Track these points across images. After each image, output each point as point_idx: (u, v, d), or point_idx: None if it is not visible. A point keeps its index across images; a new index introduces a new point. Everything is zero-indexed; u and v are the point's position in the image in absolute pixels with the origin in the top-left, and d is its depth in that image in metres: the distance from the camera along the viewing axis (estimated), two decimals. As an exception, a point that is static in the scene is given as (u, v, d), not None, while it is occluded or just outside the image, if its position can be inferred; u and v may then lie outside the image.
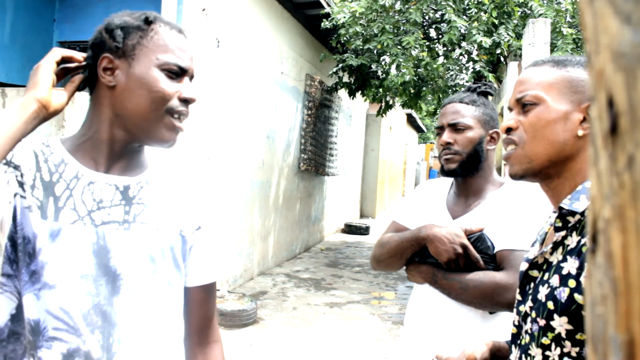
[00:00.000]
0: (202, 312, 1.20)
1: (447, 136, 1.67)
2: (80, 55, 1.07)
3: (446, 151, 1.67)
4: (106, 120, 1.05)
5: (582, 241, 0.94)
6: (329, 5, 7.66)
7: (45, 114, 0.99)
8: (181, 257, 1.12)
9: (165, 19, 1.09)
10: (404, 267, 1.72)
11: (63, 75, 1.07)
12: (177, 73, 1.05)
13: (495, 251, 1.54)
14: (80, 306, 0.99)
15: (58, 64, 1.04)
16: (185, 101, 1.06)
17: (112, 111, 1.05)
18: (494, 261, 1.54)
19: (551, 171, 1.03)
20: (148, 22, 1.05)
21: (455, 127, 1.67)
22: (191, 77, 1.10)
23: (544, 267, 1.02)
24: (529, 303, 1.02)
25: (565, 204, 0.97)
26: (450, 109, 1.70)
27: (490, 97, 1.78)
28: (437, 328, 1.59)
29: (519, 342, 1.05)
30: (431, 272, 1.61)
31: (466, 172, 1.66)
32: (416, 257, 1.65)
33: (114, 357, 1.00)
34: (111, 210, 1.05)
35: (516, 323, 1.08)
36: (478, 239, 1.56)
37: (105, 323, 1.00)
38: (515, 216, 1.56)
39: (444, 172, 1.70)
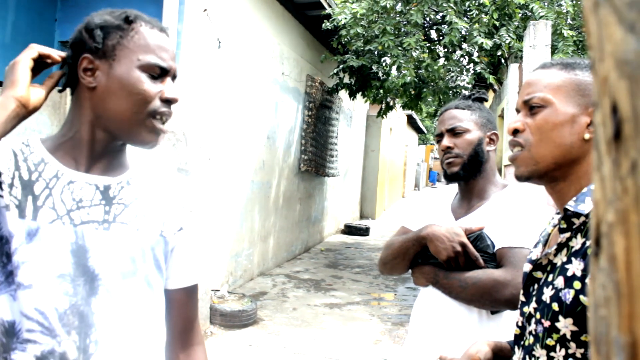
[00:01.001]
0: (183, 314, 1.18)
1: (446, 141, 1.71)
2: (57, 54, 1.04)
3: (447, 155, 1.70)
4: (87, 121, 1.04)
5: (587, 243, 0.94)
6: (330, 7, 7.66)
7: (25, 113, 0.97)
8: (163, 259, 1.10)
9: (147, 17, 1.07)
10: (409, 270, 1.74)
11: (39, 71, 1.04)
12: (159, 73, 1.03)
13: (495, 250, 1.56)
14: (56, 306, 0.97)
15: (35, 60, 1.01)
16: (167, 101, 1.04)
17: (93, 112, 1.03)
18: (494, 260, 1.56)
19: (557, 174, 1.03)
20: (128, 21, 1.03)
21: (453, 132, 1.70)
22: (173, 77, 1.08)
23: (548, 268, 1.03)
24: (533, 304, 1.02)
25: (571, 205, 0.97)
26: (447, 116, 1.74)
27: (485, 103, 1.82)
28: (441, 330, 1.60)
29: (522, 343, 1.06)
30: (433, 272, 1.62)
31: (468, 174, 1.69)
32: (419, 259, 1.67)
33: (91, 359, 0.98)
34: (91, 210, 1.03)
35: (520, 324, 1.08)
36: (477, 238, 1.57)
37: (82, 324, 0.98)
38: (515, 215, 1.58)
39: (448, 177, 1.72)
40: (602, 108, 0.27)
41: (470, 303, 1.55)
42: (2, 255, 0.97)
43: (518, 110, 1.10)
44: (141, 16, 1.06)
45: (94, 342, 0.99)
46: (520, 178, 1.08)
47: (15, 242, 0.97)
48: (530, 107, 1.06)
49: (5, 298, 0.96)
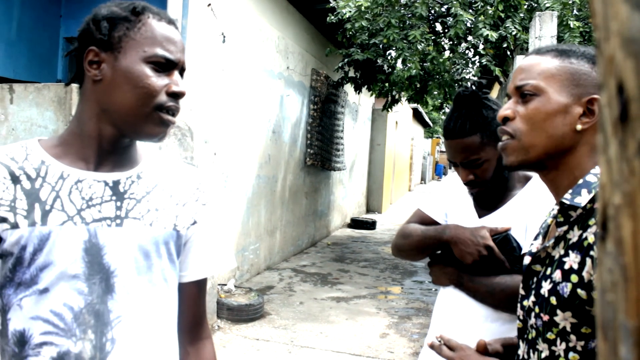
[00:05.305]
0: (194, 308, 1.17)
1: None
2: None
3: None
4: (93, 116, 1.02)
5: (584, 235, 0.93)
6: (334, 0, 7.63)
7: None
8: (175, 253, 1.09)
9: (155, 8, 1.05)
10: (427, 268, 1.70)
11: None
12: (166, 66, 1.01)
13: (521, 252, 1.51)
14: (72, 307, 0.96)
15: None
16: (175, 95, 1.02)
17: (99, 106, 1.01)
18: (520, 262, 1.50)
19: (548, 163, 1.01)
20: (136, 12, 1.01)
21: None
22: (182, 71, 1.05)
23: (547, 261, 1.01)
24: (532, 298, 1.01)
25: (567, 198, 0.96)
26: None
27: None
28: (467, 332, 1.54)
29: (525, 336, 1.05)
30: (456, 274, 1.58)
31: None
32: (438, 257, 1.63)
33: (107, 357, 0.97)
34: (102, 207, 1.01)
35: (521, 318, 1.08)
36: (504, 240, 1.51)
37: (98, 322, 0.97)
38: (542, 216, 1.52)
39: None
40: (608, 89, 0.26)
41: (497, 308, 1.51)
42: (14, 269, 0.97)
43: (509, 96, 1.07)
44: (149, 8, 1.03)
45: (110, 341, 0.98)
46: (510, 167, 1.05)
47: (28, 252, 0.96)
48: (522, 95, 1.03)
49: (16, 308, 0.96)
